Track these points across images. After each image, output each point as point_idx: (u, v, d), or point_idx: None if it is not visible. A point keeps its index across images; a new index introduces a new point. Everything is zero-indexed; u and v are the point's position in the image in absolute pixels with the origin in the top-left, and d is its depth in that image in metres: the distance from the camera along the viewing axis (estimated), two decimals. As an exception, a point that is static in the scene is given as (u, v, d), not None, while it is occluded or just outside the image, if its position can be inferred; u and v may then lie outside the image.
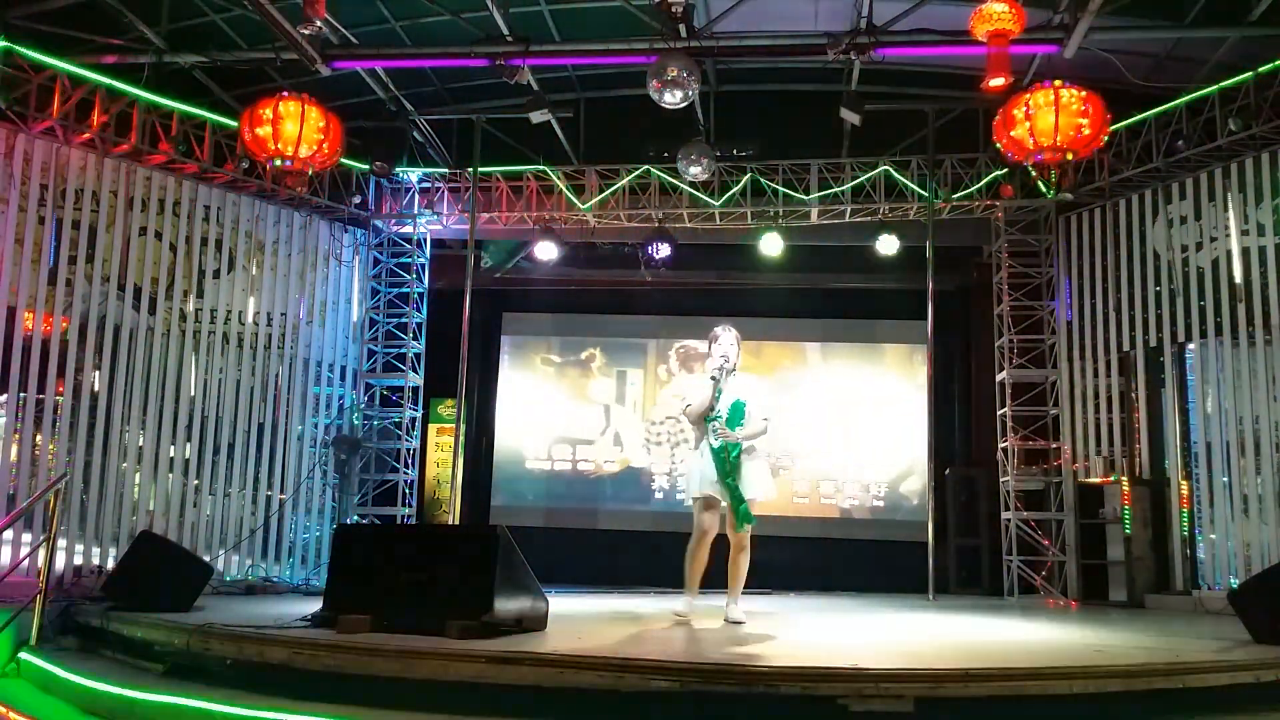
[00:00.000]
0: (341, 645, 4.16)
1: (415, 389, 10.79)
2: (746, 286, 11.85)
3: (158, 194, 9.04)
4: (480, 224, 10.73)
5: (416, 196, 10.95)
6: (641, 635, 5.45)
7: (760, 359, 12.08)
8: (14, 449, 7.98)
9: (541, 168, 10.66)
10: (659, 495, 12.06)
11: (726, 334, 6.08)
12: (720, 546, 6.07)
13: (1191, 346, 9.02)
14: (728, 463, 5.82)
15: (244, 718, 3.80)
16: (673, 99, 7.64)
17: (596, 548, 11.53)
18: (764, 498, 6.00)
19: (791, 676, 3.66)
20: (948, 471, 11.13)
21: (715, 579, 6.12)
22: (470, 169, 10.45)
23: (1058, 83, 7.20)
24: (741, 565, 5.99)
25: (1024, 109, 7.20)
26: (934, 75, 10.11)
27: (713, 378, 5.93)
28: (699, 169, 9.67)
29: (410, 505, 10.61)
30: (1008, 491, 9.96)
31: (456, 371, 10.23)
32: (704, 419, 5.94)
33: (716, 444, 5.86)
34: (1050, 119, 7.10)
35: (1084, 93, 7.16)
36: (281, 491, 9.66)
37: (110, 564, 7.93)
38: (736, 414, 5.91)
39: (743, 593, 6.09)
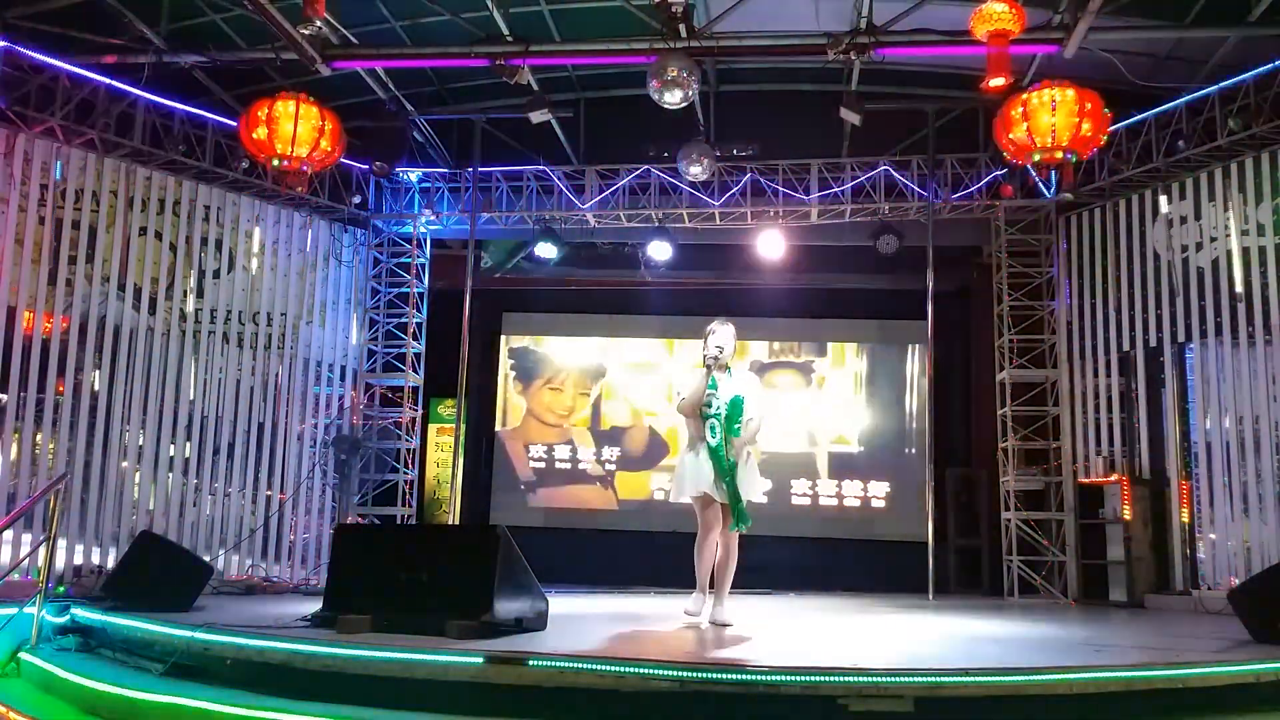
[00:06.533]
0: (341, 645, 4.16)
1: (415, 389, 10.78)
2: (746, 286, 11.85)
3: (158, 194, 9.04)
4: (480, 224, 10.74)
5: (416, 196, 10.95)
6: (641, 635, 5.45)
7: (760, 359, 12.09)
8: (14, 449, 7.99)
9: (541, 168, 10.66)
10: (659, 495, 12.05)
11: (723, 328, 5.85)
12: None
13: (1191, 346, 9.02)
14: (726, 461, 5.61)
15: (244, 718, 3.79)
16: (673, 99, 7.64)
17: (596, 548, 11.53)
18: (759, 499, 5.81)
19: (791, 676, 3.66)
20: (948, 471, 11.13)
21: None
22: (470, 169, 10.46)
23: (1057, 83, 7.21)
24: (730, 567, 5.81)
25: (1024, 109, 7.22)
26: (934, 75, 10.10)
27: (707, 365, 5.72)
28: (699, 169, 9.67)
29: (410, 505, 10.61)
30: (1008, 491, 9.96)
31: (456, 371, 10.24)
32: (700, 413, 5.70)
33: (714, 442, 5.63)
34: (1050, 119, 7.11)
35: (1084, 93, 7.17)
36: (281, 491, 9.66)
37: (110, 564, 7.93)
38: (735, 409, 5.68)
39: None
